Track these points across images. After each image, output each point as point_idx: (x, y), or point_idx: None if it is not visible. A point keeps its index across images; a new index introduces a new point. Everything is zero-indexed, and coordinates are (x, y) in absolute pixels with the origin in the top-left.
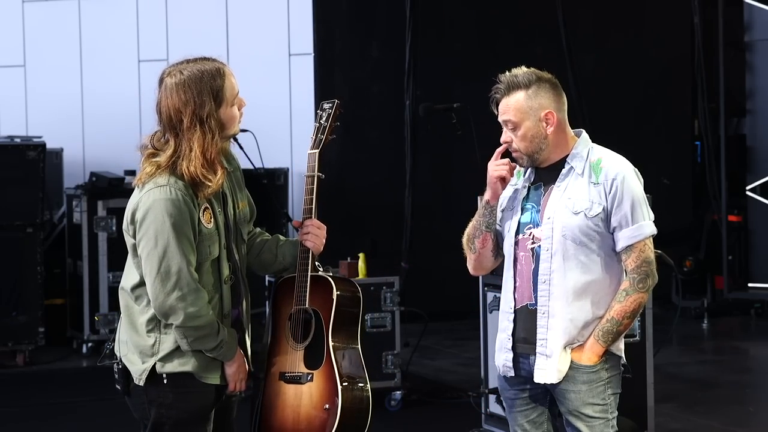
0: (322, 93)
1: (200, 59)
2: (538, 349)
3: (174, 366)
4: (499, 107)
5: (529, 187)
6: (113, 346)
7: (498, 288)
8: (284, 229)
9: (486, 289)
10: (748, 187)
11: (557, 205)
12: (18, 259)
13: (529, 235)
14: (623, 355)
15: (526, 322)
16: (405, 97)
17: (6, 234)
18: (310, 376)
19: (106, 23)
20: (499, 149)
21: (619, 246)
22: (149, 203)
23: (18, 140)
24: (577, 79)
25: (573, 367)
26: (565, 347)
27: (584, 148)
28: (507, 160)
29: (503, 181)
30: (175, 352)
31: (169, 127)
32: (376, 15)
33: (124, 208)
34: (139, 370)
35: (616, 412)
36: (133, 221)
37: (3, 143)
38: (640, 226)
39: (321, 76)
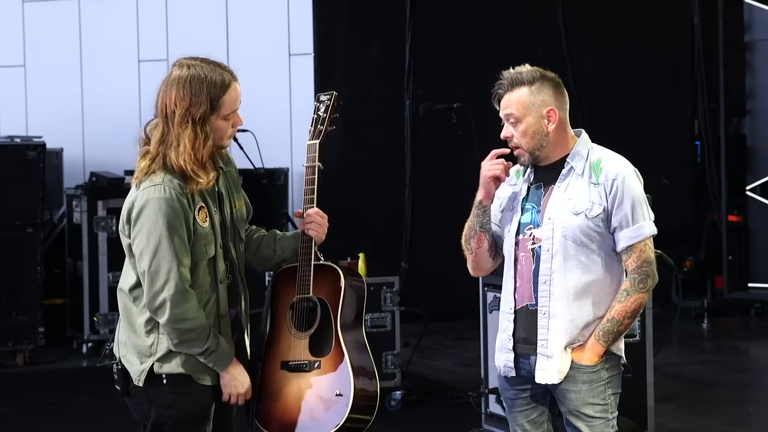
0: None
1: (214, 63)
2: (538, 350)
3: (172, 367)
4: (501, 102)
5: (528, 187)
6: (112, 347)
7: (498, 288)
8: (284, 229)
9: (486, 289)
10: (748, 187)
11: (558, 206)
12: (18, 259)
13: (530, 236)
14: (623, 355)
15: (526, 322)
16: (405, 97)
17: (6, 234)
18: (317, 363)
19: (106, 23)
20: (495, 151)
21: (620, 246)
22: (143, 202)
23: (18, 140)
24: (577, 79)
25: (573, 367)
26: (565, 347)
27: (584, 148)
28: (502, 159)
29: (497, 180)
30: (173, 353)
31: (161, 116)
32: (376, 15)
33: None
34: (137, 370)
35: (617, 412)
36: (128, 221)
37: (3, 143)
38: (641, 226)
39: (321, 76)
